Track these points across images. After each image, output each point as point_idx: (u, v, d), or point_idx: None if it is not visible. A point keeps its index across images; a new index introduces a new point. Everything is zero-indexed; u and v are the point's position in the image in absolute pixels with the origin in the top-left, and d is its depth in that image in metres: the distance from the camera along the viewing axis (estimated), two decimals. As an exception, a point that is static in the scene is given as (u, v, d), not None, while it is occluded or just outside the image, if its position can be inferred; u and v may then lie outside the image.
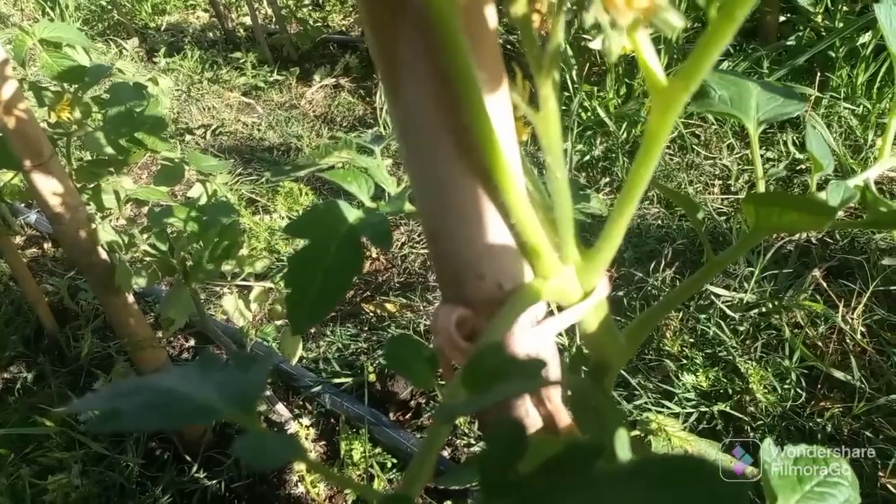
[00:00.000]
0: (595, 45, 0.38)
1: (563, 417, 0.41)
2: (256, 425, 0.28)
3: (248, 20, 3.20)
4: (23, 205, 2.11)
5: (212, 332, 1.20)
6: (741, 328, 1.14)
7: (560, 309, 0.39)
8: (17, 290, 1.80)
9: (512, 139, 0.34)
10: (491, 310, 0.36)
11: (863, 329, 1.11)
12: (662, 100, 0.31)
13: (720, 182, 1.56)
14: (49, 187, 1.02)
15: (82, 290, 1.72)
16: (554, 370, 0.42)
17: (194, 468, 1.19)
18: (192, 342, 1.52)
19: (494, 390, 0.27)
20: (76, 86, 1.12)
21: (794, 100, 0.49)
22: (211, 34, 3.40)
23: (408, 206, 0.56)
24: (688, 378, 1.06)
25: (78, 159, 1.17)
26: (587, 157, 1.74)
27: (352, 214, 0.53)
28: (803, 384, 1.04)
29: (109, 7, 3.85)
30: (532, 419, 0.42)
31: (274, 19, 3.13)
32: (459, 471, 0.66)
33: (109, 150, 1.09)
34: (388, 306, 1.51)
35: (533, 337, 0.38)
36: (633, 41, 0.32)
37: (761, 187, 0.50)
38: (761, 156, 1.59)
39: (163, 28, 3.54)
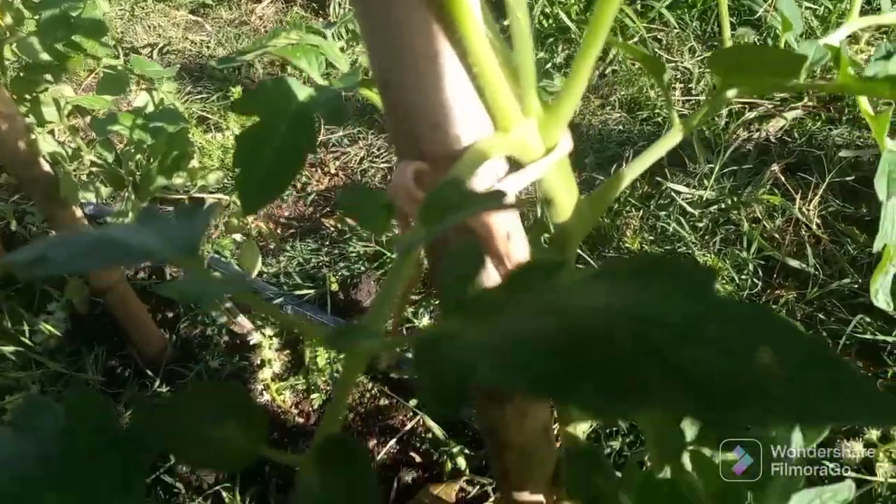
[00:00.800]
0: None
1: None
2: (200, 268, 0.26)
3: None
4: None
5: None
6: (700, 224, 1.15)
7: (520, 167, 0.38)
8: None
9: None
10: (448, 165, 0.35)
11: (818, 220, 1.13)
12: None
13: (681, 86, 1.54)
14: (-18, 95, 0.96)
15: (29, 214, 1.66)
16: (517, 238, 0.41)
17: (156, 383, 1.18)
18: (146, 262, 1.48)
19: (454, 215, 0.25)
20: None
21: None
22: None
23: (363, 91, 0.54)
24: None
25: (15, 69, 1.11)
26: (548, 65, 1.71)
27: (302, 92, 0.50)
28: (760, 274, 1.06)
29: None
30: (491, 280, 0.41)
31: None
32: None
33: (46, 56, 1.03)
34: (349, 220, 1.49)
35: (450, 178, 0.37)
36: None
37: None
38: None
39: (98, -59, 3.32)
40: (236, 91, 1.89)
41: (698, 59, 1.61)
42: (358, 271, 1.30)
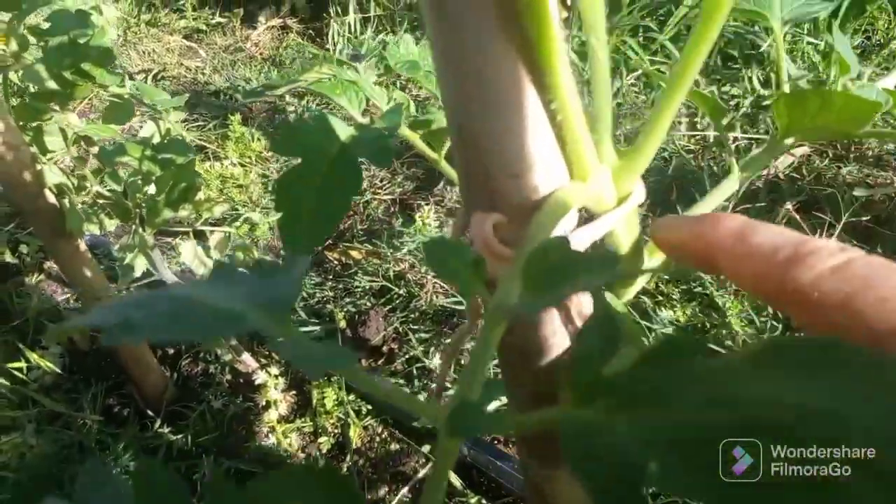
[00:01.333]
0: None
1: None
2: (292, 331, 0.24)
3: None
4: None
5: (169, 279, 1.14)
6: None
7: (589, 215, 0.36)
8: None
9: (557, 16, 0.30)
10: (524, 216, 0.33)
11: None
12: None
13: (686, 120, 1.54)
14: (-14, 125, 0.94)
15: (22, 244, 1.62)
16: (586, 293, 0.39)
17: (157, 423, 1.14)
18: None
19: (568, 283, 0.23)
20: (11, 14, 1.02)
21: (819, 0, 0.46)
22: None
23: (404, 130, 0.52)
24: (665, 313, 1.05)
25: (18, 96, 1.08)
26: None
27: (343, 131, 0.48)
28: (779, 315, 1.05)
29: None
30: (559, 338, 0.39)
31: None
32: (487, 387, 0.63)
33: (52, 84, 1.01)
34: (353, 253, 1.46)
35: (553, 236, 0.35)
36: None
37: (786, 88, 0.48)
38: (726, 93, 1.59)
39: (95, -32, 3.32)
40: (235, 119, 1.87)
41: (672, 68, 1.61)
42: (364, 307, 1.28)
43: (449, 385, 1.10)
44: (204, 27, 2.65)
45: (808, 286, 0.21)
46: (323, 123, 0.48)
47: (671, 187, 1.36)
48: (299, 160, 0.46)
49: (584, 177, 0.33)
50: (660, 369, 0.20)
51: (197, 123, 2.03)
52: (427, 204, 1.53)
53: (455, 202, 1.52)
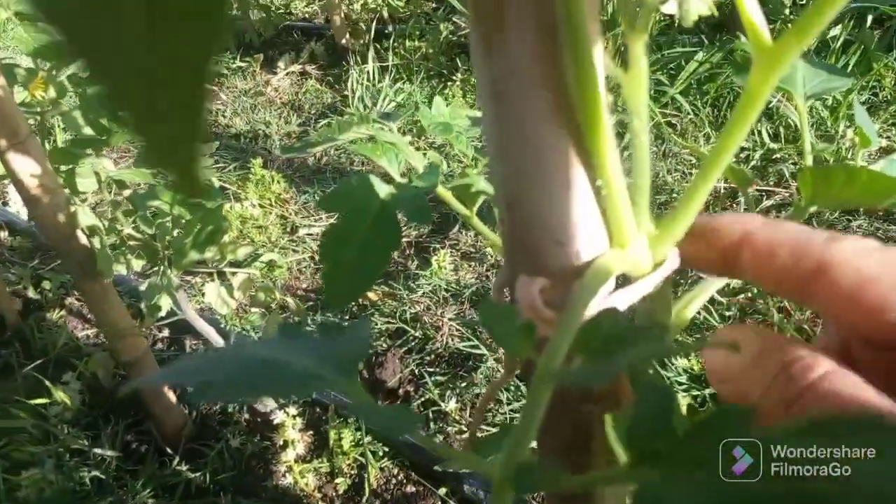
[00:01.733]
0: (668, 8, 0.37)
1: (628, 391, 0.40)
2: (361, 393, 0.26)
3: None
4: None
5: (193, 320, 1.16)
6: (728, 313, 1.15)
7: (623, 280, 0.39)
8: (-27, 280, 1.72)
9: (604, 99, 0.33)
10: (566, 280, 0.35)
11: (846, 313, 1.13)
12: (767, 59, 0.30)
13: (696, 171, 1.57)
14: (26, 168, 0.97)
15: (45, 280, 1.65)
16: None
17: (175, 461, 1.15)
18: (165, 332, 1.47)
19: (623, 355, 0.26)
20: (50, 63, 1.07)
21: (838, 76, 0.49)
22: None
23: (438, 189, 0.55)
24: (679, 362, 1.07)
25: (51, 140, 1.12)
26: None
27: (383, 189, 0.51)
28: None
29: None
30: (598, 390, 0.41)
31: (235, 5, 3.06)
32: (489, 441, 0.65)
33: (88, 130, 1.05)
34: (370, 294, 1.49)
35: (606, 308, 0.37)
36: (739, 2, 0.31)
37: (809, 162, 0.50)
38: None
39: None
40: (256, 162, 1.91)
41: (713, 144, 1.65)
42: (381, 348, 1.30)
43: (464, 428, 1.12)
44: (225, 71, 2.72)
45: (846, 262, 0.23)
46: (365, 182, 0.51)
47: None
48: (342, 215, 0.49)
49: (623, 244, 0.35)
50: (708, 433, 0.22)
51: (218, 165, 2.08)
52: (443, 247, 1.55)
53: (470, 246, 1.55)
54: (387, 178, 0.60)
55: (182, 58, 0.10)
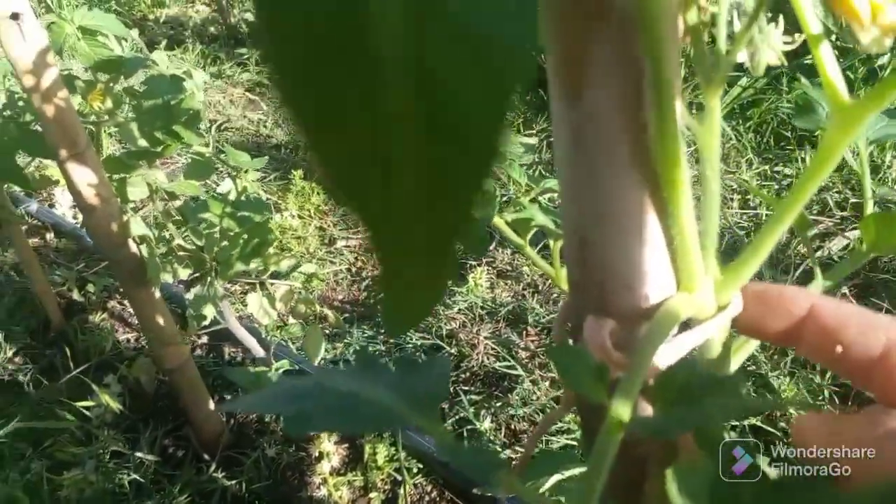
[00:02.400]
0: (741, 57, 0.38)
1: (686, 437, 0.41)
2: (444, 433, 0.27)
3: (250, 16, 3.17)
4: (22, 193, 2.07)
5: (236, 329, 1.18)
6: (769, 344, 1.14)
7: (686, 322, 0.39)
8: (19, 281, 1.76)
9: (683, 149, 0.34)
10: (634, 322, 0.36)
11: (891, 348, 1.11)
12: (845, 117, 0.31)
13: (739, 197, 1.57)
14: (84, 178, 1.00)
15: (90, 283, 1.69)
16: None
17: (212, 468, 1.17)
18: (205, 339, 1.50)
19: (701, 407, 0.26)
20: (109, 76, 1.10)
21: (903, 120, 0.49)
22: (212, 29, 3.37)
23: (497, 218, 0.56)
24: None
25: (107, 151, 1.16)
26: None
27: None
28: (836, 401, 1.05)
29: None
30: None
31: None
32: (531, 467, 0.65)
33: (143, 142, 1.08)
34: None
35: (669, 350, 0.38)
36: (816, 55, 0.31)
37: (870, 208, 0.50)
38: (778, 172, 1.61)
39: (162, 20, 3.50)
40: (297, 174, 1.94)
41: (755, 171, 1.64)
42: (417, 365, 1.31)
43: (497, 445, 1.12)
44: (266, 80, 2.77)
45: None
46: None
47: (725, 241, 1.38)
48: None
49: (691, 289, 0.36)
50: (797, 496, 0.23)
51: (259, 174, 2.11)
52: (479, 264, 1.56)
53: (506, 264, 1.56)
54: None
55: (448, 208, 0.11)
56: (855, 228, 1.39)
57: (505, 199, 0.70)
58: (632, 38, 0.28)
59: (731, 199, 1.56)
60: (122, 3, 3.68)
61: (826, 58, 0.31)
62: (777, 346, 1.16)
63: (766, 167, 1.61)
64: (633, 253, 0.35)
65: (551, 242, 0.55)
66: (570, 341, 0.39)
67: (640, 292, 0.36)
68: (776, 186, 1.54)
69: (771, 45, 0.39)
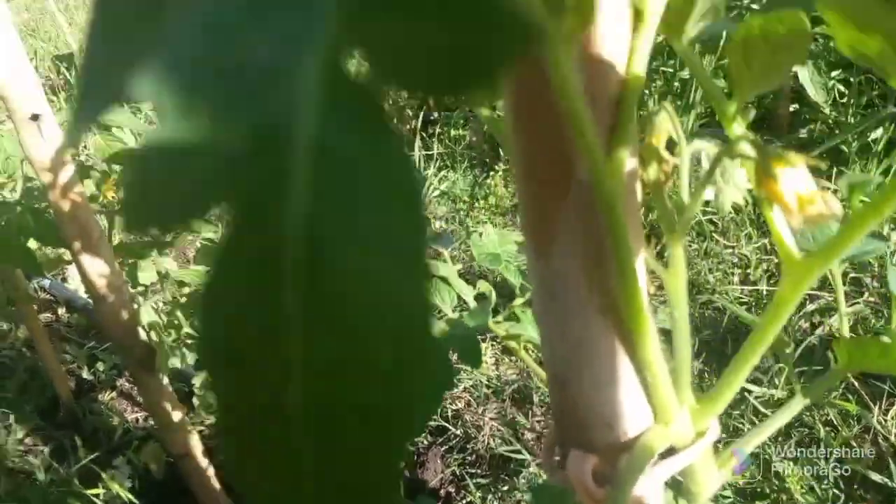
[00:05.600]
0: (707, 195, 0.41)
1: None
2: None
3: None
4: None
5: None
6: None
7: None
8: (31, 358, 1.79)
9: (646, 298, 0.36)
10: (614, 454, 0.38)
11: (896, 430, 1.12)
12: (796, 272, 0.33)
13: (739, 271, 1.58)
14: (96, 269, 1.03)
15: (100, 360, 1.71)
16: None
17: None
18: (211, 419, 1.50)
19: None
20: (122, 167, 1.14)
21: (873, 239, 0.51)
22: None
23: (492, 323, 0.58)
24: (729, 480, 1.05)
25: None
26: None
27: (435, 326, 0.54)
28: (841, 485, 1.04)
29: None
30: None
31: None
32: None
33: (154, 230, 1.11)
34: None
35: (648, 481, 0.39)
36: (767, 216, 0.34)
37: (845, 327, 0.52)
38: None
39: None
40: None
41: (755, 245, 1.66)
42: (423, 445, 1.31)
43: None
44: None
45: None
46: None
47: (726, 340, 1.39)
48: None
49: (666, 421, 0.38)
50: None
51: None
52: (483, 340, 1.58)
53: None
54: (437, 311, 0.63)
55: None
56: (855, 304, 1.40)
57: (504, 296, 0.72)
58: (593, 204, 0.31)
59: (732, 274, 1.58)
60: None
61: (776, 219, 0.33)
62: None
63: (766, 240, 1.62)
64: (609, 392, 0.37)
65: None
66: (557, 467, 0.41)
67: (619, 428, 0.38)
68: (775, 260, 1.56)
69: (735, 185, 0.42)
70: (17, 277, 1.56)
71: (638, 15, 0.30)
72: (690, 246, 1.67)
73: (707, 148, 0.39)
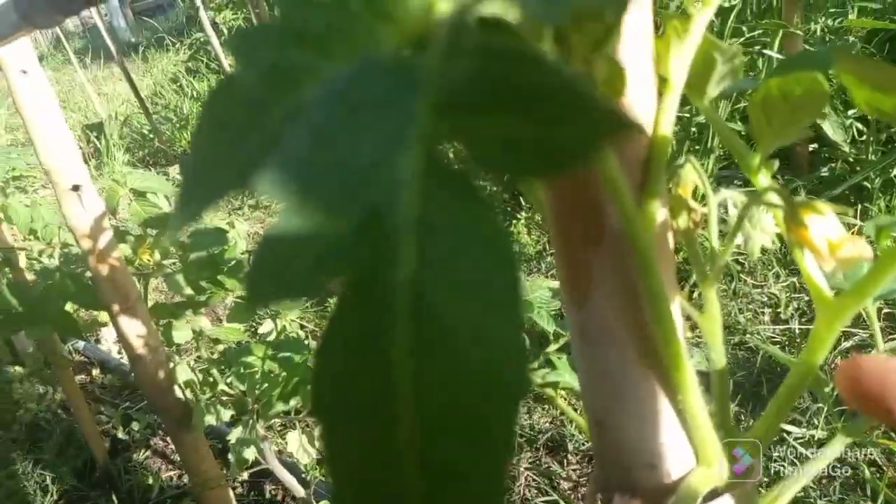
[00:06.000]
0: (738, 240, 0.42)
1: None
2: None
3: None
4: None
5: (277, 470, 1.20)
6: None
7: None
8: (67, 420, 1.81)
9: (683, 341, 0.37)
10: (658, 497, 0.38)
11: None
12: (829, 312, 0.34)
13: (770, 310, 1.57)
14: (133, 330, 1.06)
15: (134, 420, 1.73)
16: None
17: None
18: (245, 475, 1.51)
19: None
20: (157, 231, 1.18)
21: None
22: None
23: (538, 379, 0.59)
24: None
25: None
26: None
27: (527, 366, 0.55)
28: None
29: (151, 136, 4.05)
30: None
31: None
32: None
33: (189, 290, 1.14)
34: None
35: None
36: (798, 258, 0.35)
37: (881, 360, 0.52)
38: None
39: (206, 156, 3.69)
40: (332, 301, 2.00)
41: (783, 283, 1.65)
42: (457, 497, 1.30)
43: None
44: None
45: None
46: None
47: (760, 381, 1.37)
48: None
49: (709, 462, 0.38)
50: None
51: (318, 310, 2.16)
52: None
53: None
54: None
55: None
56: (891, 340, 1.38)
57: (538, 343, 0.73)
58: (627, 252, 0.32)
59: (762, 314, 1.57)
60: (164, 140, 3.92)
61: (808, 263, 0.34)
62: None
63: (794, 279, 1.62)
64: (651, 434, 0.37)
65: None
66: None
67: (662, 470, 0.38)
68: (805, 298, 1.55)
69: (763, 230, 0.43)
70: (54, 341, 1.59)
71: (663, 81, 0.32)
72: (719, 286, 1.67)
73: (733, 196, 0.41)
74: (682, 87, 0.31)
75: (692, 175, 0.39)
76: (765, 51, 1.99)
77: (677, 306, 0.36)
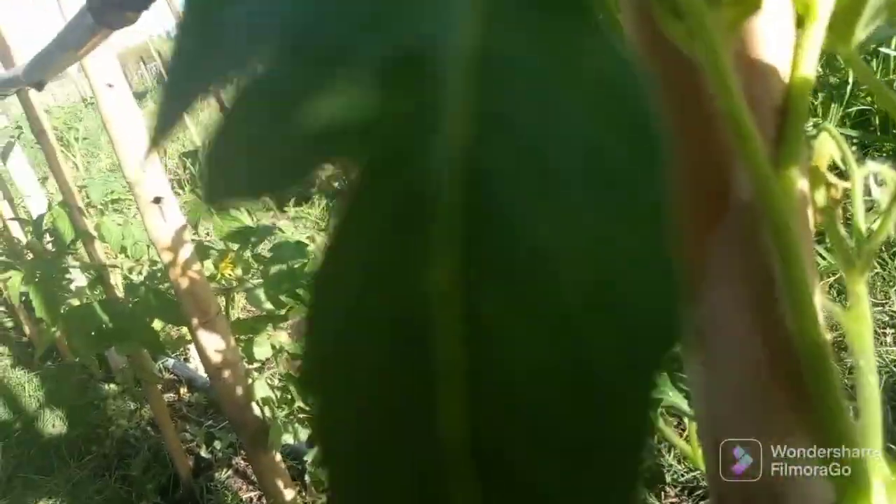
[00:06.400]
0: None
1: None
2: None
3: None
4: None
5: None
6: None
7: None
8: (155, 437, 1.84)
9: (828, 345, 0.30)
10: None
11: None
12: None
13: (892, 330, 1.43)
14: (212, 344, 1.04)
15: (217, 439, 1.73)
16: None
17: None
18: (323, 498, 1.48)
19: None
20: (239, 245, 1.17)
21: None
22: (337, 183, 3.60)
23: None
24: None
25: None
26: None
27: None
28: None
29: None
30: None
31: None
32: None
33: (269, 305, 1.13)
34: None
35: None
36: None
37: None
38: (932, 305, 1.47)
39: (291, 179, 3.78)
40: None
41: (905, 303, 1.50)
42: None
43: None
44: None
45: None
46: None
47: (886, 409, 1.24)
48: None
49: (856, 499, 0.31)
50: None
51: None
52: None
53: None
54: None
55: None
56: None
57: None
58: (753, 233, 0.26)
59: (884, 334, 1.43)
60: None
61: None
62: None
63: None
64: (778, 460, 0.31)
65: (686, 420, 0.51)
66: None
67: (796, 498, 0.32)
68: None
69: (919, 214, 0.35)
70: (144, 358, 1.62)
71: (804, 13, 0.25)
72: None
73: (882, 171, 0.34)
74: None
75: (827, 146, 0.33)
76: None
77: (819, 302, 0.30)
